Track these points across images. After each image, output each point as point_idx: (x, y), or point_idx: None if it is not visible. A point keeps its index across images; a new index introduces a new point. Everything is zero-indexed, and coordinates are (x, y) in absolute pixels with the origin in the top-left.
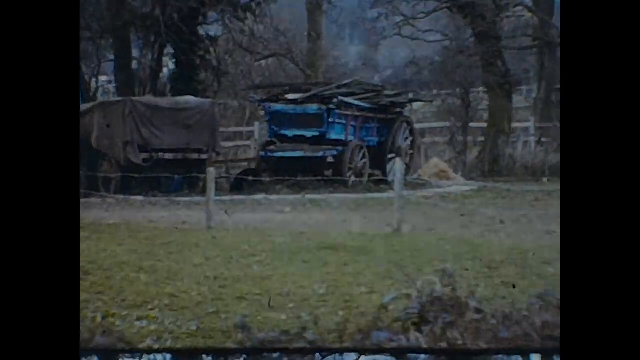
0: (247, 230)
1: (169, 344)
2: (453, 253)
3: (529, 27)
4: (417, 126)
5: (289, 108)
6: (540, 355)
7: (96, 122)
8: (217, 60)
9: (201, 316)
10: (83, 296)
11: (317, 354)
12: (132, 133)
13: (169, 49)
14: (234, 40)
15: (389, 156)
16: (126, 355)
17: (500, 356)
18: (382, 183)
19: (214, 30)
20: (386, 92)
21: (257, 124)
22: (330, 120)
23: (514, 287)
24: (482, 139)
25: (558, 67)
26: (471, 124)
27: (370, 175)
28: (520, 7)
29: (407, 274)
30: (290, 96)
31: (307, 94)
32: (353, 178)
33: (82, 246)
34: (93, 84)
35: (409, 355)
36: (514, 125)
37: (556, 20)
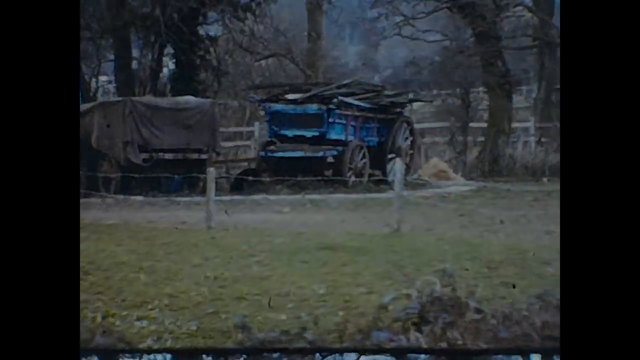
0: (247, 231)
1: (168, 344)
2: (452, 253)
3: (529, 27)
4: (417, 126)
5: (289, 108)
6: (540, 355)
7: (96, 122)
8: (217, 60)
9: (201, 316)
10: (82, 296)
11: (317, 354)
12: (132, 133)
13: (169, 49)
14: (234, 40)
15: (389, 156)
16: (126, 355)
17: (500, 356)
18: (382, 183)
19: (214, 30)
20: (386, 92)
21: (257, 124)
22: (330, 120)
23: (514, 287)
24: (482, 139)
25: (558, 67)
26: (471, 124)
27: (370, 175)
28: (520, 7)
29: (407, 274)
30: (290, 96)
31: (307, 94)
32: (353, 178)
33: (82, 246)
34: (93, 84)
35: (409, 355)
36: (514, 125)
37: (556, 20)
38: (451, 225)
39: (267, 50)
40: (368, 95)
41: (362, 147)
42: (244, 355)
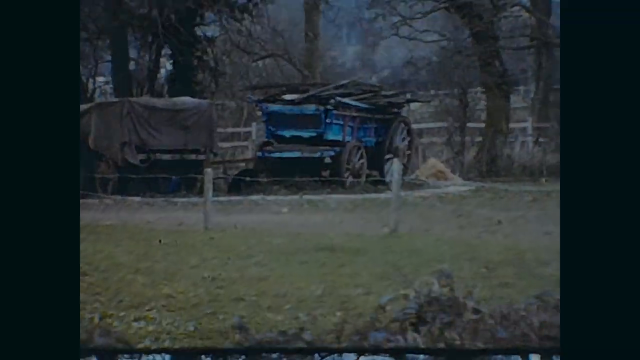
0: (244, 231)
1: (166, 344)
2: (450, 253)
3: (527, 27)
4: (414, 126)
5: (286, 108)
6: (539, 356)
7: (93, 123)
8: (214, 60)
9: (199, 317)
10: (80, 297)
11: (317, 355)
12: (129, 134)
13: (166, 50)
14: (231, 41)
15: (387, 156)
16: (125, 355)
17: (499, 356)
18: (380, 183)
19: (211, 31)
20: (384, 93)
21: (254, 124)
22: (328, 120)
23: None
24: (479, 139)
25: (556, 67)
26: (469, 124)
27: (367, 175)
28: (517, 7)
29: (405, 275)
30: (287, 97)
31: (305, 95)
32: (350, 178)
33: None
34: (90, 85)
35: (407, 355)
36: (512, 125)
37: (553, 20)
38: (449, 225)
39: (264, 51)
40: (365, 95)
41: (359, 148)
42: (243, 356)
